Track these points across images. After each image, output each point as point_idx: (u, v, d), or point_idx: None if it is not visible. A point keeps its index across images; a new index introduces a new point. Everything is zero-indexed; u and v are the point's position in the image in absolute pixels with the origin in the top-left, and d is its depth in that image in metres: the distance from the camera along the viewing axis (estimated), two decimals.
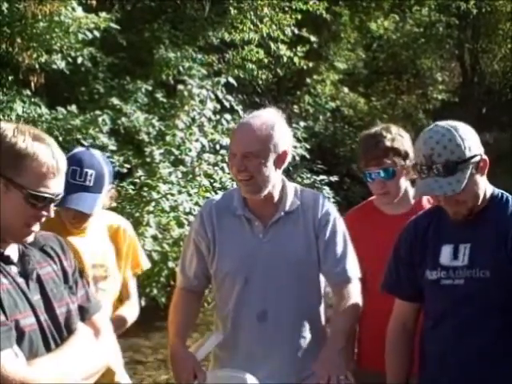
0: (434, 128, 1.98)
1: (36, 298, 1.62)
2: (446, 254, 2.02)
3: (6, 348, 1.50)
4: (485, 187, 2.01)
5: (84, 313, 1.73)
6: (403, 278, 2.13)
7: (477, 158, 1.95)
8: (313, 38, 9.99)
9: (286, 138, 2.25)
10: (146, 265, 2.69)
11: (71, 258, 1.78)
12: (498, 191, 2.07)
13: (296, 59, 9.71)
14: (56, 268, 1.71)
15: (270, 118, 2.24)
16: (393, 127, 2.57)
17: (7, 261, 1.61)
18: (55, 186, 1.61)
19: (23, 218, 1.60)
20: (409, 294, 2.14)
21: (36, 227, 1.63)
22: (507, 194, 2.07)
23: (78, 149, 2.48)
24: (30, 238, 1.64)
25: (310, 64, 10.07)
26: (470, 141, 1.95)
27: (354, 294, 2.23)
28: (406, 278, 2.12)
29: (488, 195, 2.03)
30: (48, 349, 1.61)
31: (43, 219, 1.63)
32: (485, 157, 1.99)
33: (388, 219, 2.54)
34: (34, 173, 1.57)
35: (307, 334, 2.27)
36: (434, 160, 1.92)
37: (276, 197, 2.27)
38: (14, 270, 1.62)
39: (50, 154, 1.59)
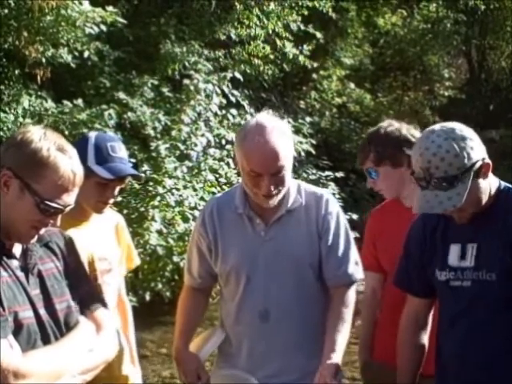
0: (430, 137, 1.87)
1: (35, 292, 1.63)
2: (453, 254, 1.99)
3: (1, 338, 1.51)
4: (489, 188, 1.94)
5: (84, 307, 1.73)
6: (413, 275, 2.11)
7: (478, 165, 1.86)
8: (319, 35, 9.92)
9: (292, 142, 2.24)
10: (137, 260, 2.71)
11: (76, 254, 1.79)
12: (504, 185, 2.00)
13: (301, 58, 9.64)
14: (59, 264, 1.72)
15: (278, 126, 2.18)
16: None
17: (9, 254, 1.63)
18: (68, 198, 1.63)
19: (31, 221, 1.62)
20: (419, 290, 2.12)
21: (41, 231, 1.65)
22: None
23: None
24: (33, 240, 1.66)
25: (315, 64, 10.02)
26: (469, 147, 1.85)
27: (352, 299, 2.25)
28: (416, 275, 2.10)
29: (494, 191, 1.96)
30: (47, 343, 1.62)
31: (49, 226, 1.65)
32: (487, 160, 1.90)
33: (411, 214, 2.51)
34: (51, 183, 1.59)
35: (308, 333, 2.26)
36: (431, 173, 1.83)
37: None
38: (14, 263, 1.63)
39: (70, 168, 1.62)
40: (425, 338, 2.15)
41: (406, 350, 2.15)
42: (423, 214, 2.10)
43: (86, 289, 1.77)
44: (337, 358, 2.17)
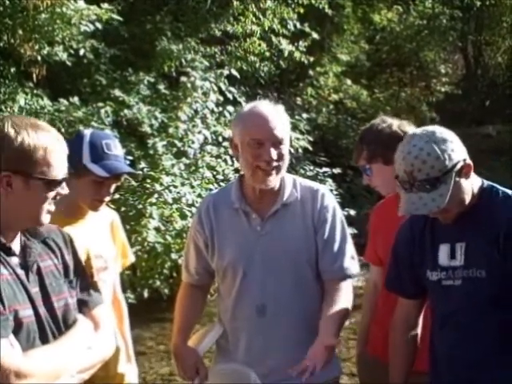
0: (411, 141, 1.93)
1: (35, 290, 1.63)
2: (443, 254, 2.02)
3: (2, 338, 1.50)
4: (471, 187, 1.98)
5: (84, 306, 1.74)
6: (404, 277, 2.14)
7: (459, 165, 1.91)
8: (315, 35, 9.90)
9: (288, 124, 2.29)
10: (132, 258, 2.71)
11: (74, 252, 1.79)
12: (487, 184, 2.04)
13: (297, 54, 9.63)
14: (57, 262, 1.72)
15: (274, 106, 2.25)
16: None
17: (9, 252, 1.63)
18: (64, 165, 1.67)
19: (44, 204, 1.64)
20: (410, 292, 2.15)
21: (52, 207, 1.68)
22: (496, 187, 2.04)
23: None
24: (48, 219, 1.68)
25: (311, 59, 10.02)
26: (450, 149, 1.90)
27: (348, 291, 2.24)
28: (407, 277, 2.13)
29: (477, 190, 2.00)
30: (45, 341, 1.61)
31: (58, 197, 1.68)
32: (468, 161, 1.95)
33: None
34: (46, 162, 1.62)
35: (306, 328, 2.25)
36: (414, 176, 1.89)
37: (276, 188, 2.26)
38: (14, 261, 1.63)
39: (54, 140, 1.64)
40: (415, 338, 2.18)
41: (397, 351, 2.18)
42: (410, 217, 2.14)
43: (83, 286, 1.77)
44: (331, 339, 2.11)
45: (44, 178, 1.62)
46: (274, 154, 2.15)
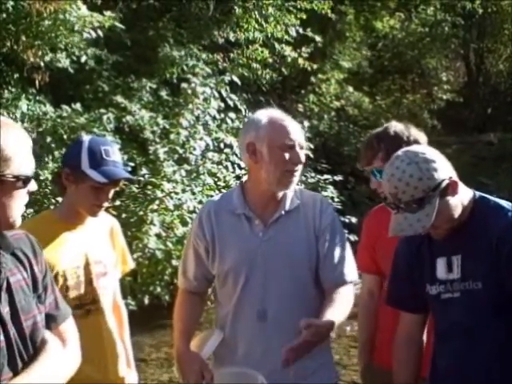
0: (395, 163, 1.94)
1: (6, 310, 1.54)
2: (441, 268, 2.03)
3: None
4: (461, 203, 1.98)
5: (51, 321, 1.67)
6: (405, 292, 2.15)
7: (443, 184, 1.91)
8: (318, 38, 9.93)
9: None
10: (132, 264, 2.71)
11: (42, 262, 1.69)
12: (478, 195, 2.04)
13: (300, 60, 9.65)
14: (26, 275, 1.63)
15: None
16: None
17: None
18: (32, 160, 1.62)
19: (20, 204, 1.59)
20: (412, 306, 2.15)
21: (24, 208, 1.62)
22: (488, 197, 2.05)
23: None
24: (20, 221, 1.62)
25: (315, 66, 10.04)
26: (432, 169, 1.91)
27: (348, 295, 2.26)
28: (408, 292, 2.13)
29: (469, 203, 2.00)
30: (13, 364, 1.53)
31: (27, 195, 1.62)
32: (454, 178, 1.95)
33: None
34: (16, 159, 1.55)
35: None
36: (399, 198, 1.90)
37: (280, 195, 2.29)
38: None
39: (19, 136, 1.58)
40: (419, 353, 2.18)
41: (402, 368, 2.17)
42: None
43: (50, 300, 1.69)
44: (330, 323, 2.10)
45: (18, 176, 1.55)
46: (302, 156, 2.24)
